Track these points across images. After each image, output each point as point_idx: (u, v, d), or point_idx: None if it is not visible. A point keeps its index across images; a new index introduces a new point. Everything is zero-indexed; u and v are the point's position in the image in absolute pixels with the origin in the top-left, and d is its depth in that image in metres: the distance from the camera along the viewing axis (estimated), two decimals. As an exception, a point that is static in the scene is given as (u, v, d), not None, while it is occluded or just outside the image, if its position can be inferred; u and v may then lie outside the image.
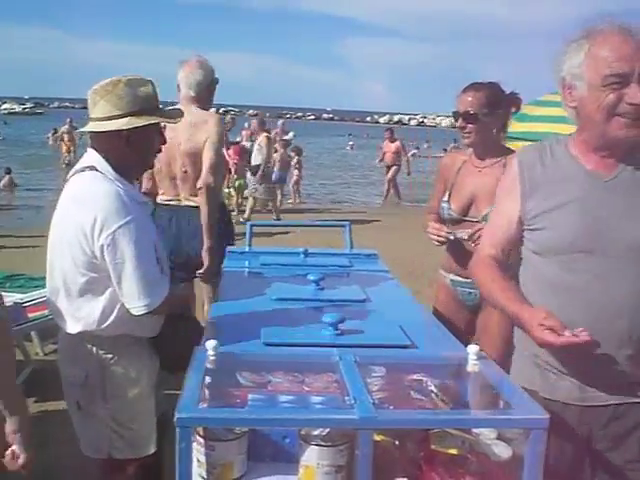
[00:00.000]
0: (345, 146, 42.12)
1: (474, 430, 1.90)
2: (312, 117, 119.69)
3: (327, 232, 7.82)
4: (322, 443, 1.75)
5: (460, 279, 3.58)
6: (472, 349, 2.05)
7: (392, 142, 19.37)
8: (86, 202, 2.59)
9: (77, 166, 2.74)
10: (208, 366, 1.93)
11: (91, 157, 2.70)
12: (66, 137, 25.03)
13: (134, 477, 2.82)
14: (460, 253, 3.49)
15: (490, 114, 3.40)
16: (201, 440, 1.77)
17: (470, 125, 3.44)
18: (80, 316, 2.66)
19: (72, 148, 24.69)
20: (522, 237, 2.34)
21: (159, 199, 4.60)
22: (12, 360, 2.46)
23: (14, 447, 2.37)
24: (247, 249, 3.98)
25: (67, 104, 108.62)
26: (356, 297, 2.91)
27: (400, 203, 18.67)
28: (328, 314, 2.39)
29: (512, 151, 3.34)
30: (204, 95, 4.56)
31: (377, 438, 1.76)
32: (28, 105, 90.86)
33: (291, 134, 18.84)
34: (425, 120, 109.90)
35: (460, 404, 2.01)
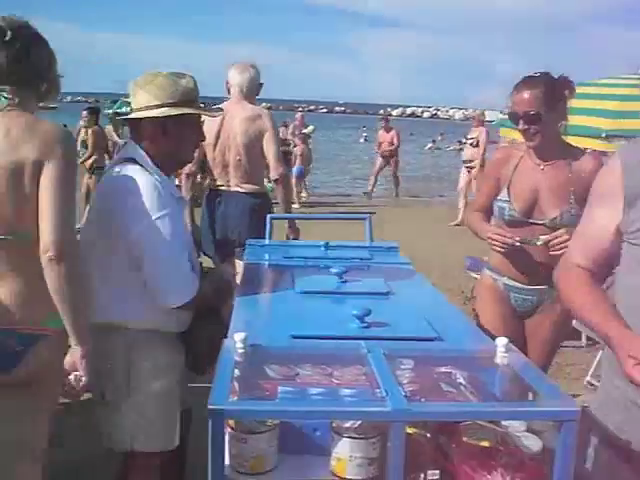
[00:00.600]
0: (359, 139, 42.05)
1: (503, 423, 1.90)
2: (324, 110, 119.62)
3: (341, 225, 7.86)
4: (355, 435, 1.75)
5: (517, 284, 3.48)
6: (501, 341, 2.04)
7: (388, 132, 17.99)
8: (122, 193, 2.63)
9: (117, 157, 2.83)
10: (237, 359, 1.93)
11: (131, 148, 2.76)
12: (83, 131, 25.04)
13: (155, 471, 2.85)
14: (521, 258, 3.36)
15: (553, 110, 3.21)
16: (233, 432, 1.77)
17: (534, 127, 3.22)
18: (106, 305, 2.69)
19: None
20: (620, 250, 2.04)
21: (212, 185, 5.18)
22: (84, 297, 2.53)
23: (78, 372, 2.53)
24: (267, 242, 3.98)
25: (80, 98, 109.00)
26: (380, 290, 2.90)
27: (399, 197, 18.17)
28: (354, 307, 2.39)
29: (573, 146, 3.31)
30: (254, 93, 5.11)
31: (409, 430, 1.75)
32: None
33: (311, 127, 18.37)
34: (438, 112, 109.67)
35: (489, 397, 2.00)
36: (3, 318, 2.46)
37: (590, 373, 5.46)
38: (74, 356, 2.52)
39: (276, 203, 5.26)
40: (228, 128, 4.89)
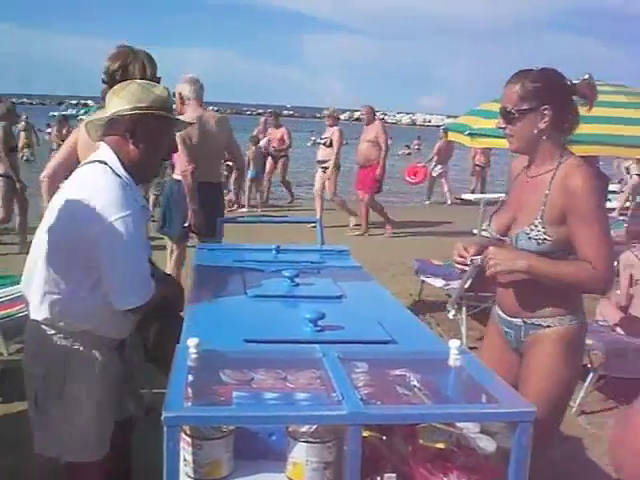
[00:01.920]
0: (307, 142, 42.08)
1: (458, 425, 1.91)
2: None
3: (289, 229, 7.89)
4: (311, 440, 1.74)
5: (501, 314, 3.01)
6: (453, 344, 2.06)
7: (277, 128, 16.21)
8: (88, 189, 2.61)
9: (88, 158, 2.78)
10: (190, 364, 1.92)
11: (103, 151, 2.73)
12: (23, 134, 24.71)
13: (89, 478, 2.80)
14: (500, 284, 2.95)
15: (529, 111, 2.70)
16: (188, 439, 1.75)
17: (509, 127, 2.79)
18: (47, 301, 2.64)
19: (30, 144, 24.40)
20: None
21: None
22: None
23: None
24: (217, 245, 3.96)
25: (24, 100, 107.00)
26: (332, 293, 2.90)
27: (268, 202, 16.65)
28: (307, 310, 2.38)
29: (573, 157, 2.74)
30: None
31: (365, 434, 1.75)
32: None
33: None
34: (385, 117, 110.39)
35: (443, 399, 2.01)
36: None
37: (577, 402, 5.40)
38: None
39: None
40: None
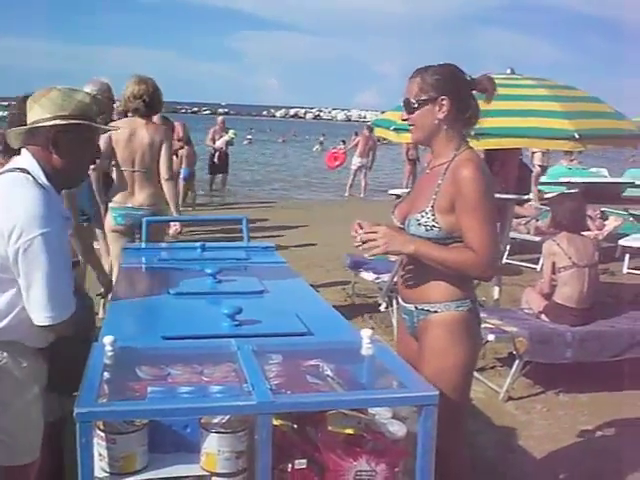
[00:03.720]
0: (243, 140, 41.92)
1: (370, 410, 1.98)
2: (208, 112, 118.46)
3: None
4: (222, 430, 1.79)
5: (400, 301, 3.07)
6: (365, 333, 2.13)
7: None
8: (10, 202, 2.51)
9: (8, 165, 2.66)
10: (106, 361, 1.95)
11: (24, 159, 2.63)
12: None
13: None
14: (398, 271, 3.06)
15: (427, 101, 2.79)
16: (102, 434, 1.78)
17: (411, 116, 2.88)
18: None
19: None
20: None
21: None
22: None
23: None
24: (144, 245, 3.96)
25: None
26: (254, 289, 2.95)
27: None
28: (225, 306, 2.43)
29: (471, 150, 2.84)
30: None
31: (276, 423, 1.81)
32: None
33: (231, 132, 17.76)
34: (321, 114, 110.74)
35: (355, 386, 2.08)
36: None
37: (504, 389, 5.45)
38: None
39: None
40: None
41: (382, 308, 7.21)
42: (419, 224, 2.78)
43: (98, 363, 1.92)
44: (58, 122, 2.56)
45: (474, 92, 2.89)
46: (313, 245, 10.73)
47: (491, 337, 5.25)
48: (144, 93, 5.23)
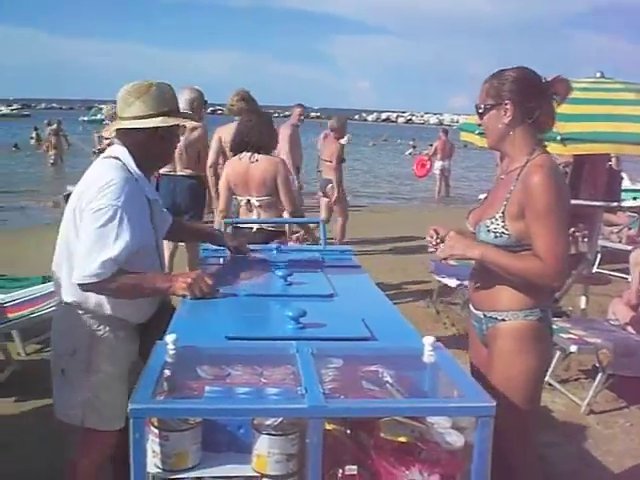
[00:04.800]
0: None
1: (429, 419, 1.95)
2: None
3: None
4: (273, 432, 1.79)
5: (471, 308, 3.06)
6: (428, 340, 2.09)
7: None
8: (96, 179, 2.87)
9: (103, 154, 3.08)
10: (168, 360, 1.97)
11: (117, 149, 3.00)
12: (53, 139, 25.23)
13: (100, 447, 3.02)
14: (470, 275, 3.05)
15: (492, 106, 2.78)
16: (155, 430, 1.80)
17: (481, 121, 2.88)
18: (71, 284, 2.86)
19: (58, 147, 24.97)
20: None
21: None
22: None
23: None
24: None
25: (54, 105, 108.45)
26: (323, 292, 2.94)
27: None
28: (290, 308, 2.43)
29: (542, 155, 2.75)
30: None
31: (328, 427, 1.80)
32: (15, 107, 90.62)
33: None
34: (413, 118, 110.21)
35: (414, 393, 2.05)
36: None
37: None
38: None
39: None
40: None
41: (464, 315, 7.12)
42: (488, 230, 2.75)
43: (159, 361, 1.95)
44: (167, 122, 2.95)
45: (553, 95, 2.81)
46: (398, 249, 10.68)
47: (574, 348, 5.11)
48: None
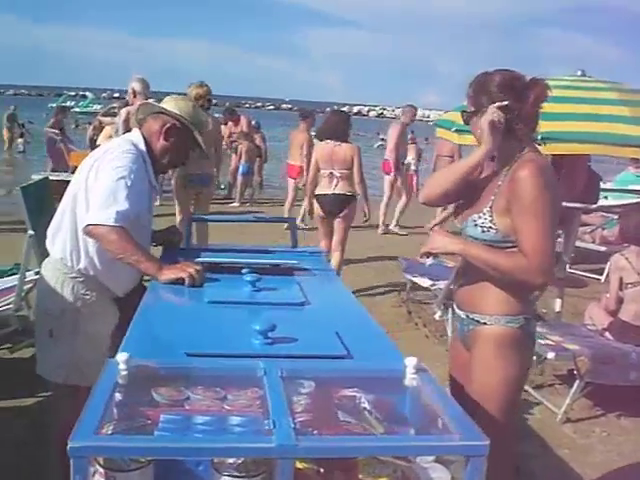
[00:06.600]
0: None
1: (409, 454, 1.74)
2: (271, 107, 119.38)
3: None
4: (235, 474, 1.55)
5: (454, 307, 2.96)
6: (410, 362, 1.88)
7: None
8: (119, 145, 3.22)
9: (122, 137, 3.48)
10: (119, 381, 1.74)
11: (134, 135, 3.31)
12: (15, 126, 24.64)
13: (83, 401, 3.03)
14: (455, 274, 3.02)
15: (475, 112, 2.74)
16: (101, 470, 1.56)
17: (470, 126, 2.83)
18: (60, 240, 3.18)
19: (22, 135, 24.50)
20: None
21: None
22: None
23: None
24: (184, 246, 3.77)
25: (23, 91, 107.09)
26: (294, 300, 2.72)
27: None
28: (258, 321, 2.20)
29: (532, 152, 2.69)
30: None
31: (299, 465, 1.58)
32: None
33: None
34: (385, 112, 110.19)
35: (395, 423, 1.84)
36: None
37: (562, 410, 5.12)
38: None
39: None
40: None
41: (437, 316, 6.95)
42: (476, 225, 2.69)
43: (109, 383, 1.72)
44: (181, 119, 3.28)
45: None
46: (368, 247, 10.48)
47: (551, 355, 4.96)
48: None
